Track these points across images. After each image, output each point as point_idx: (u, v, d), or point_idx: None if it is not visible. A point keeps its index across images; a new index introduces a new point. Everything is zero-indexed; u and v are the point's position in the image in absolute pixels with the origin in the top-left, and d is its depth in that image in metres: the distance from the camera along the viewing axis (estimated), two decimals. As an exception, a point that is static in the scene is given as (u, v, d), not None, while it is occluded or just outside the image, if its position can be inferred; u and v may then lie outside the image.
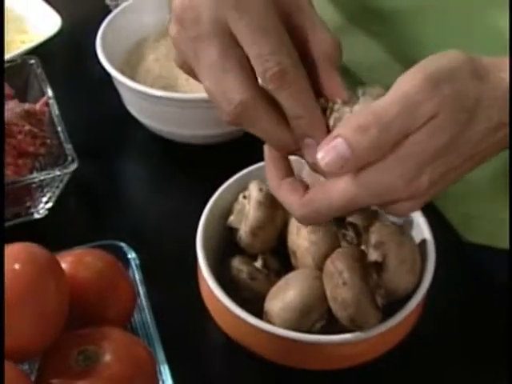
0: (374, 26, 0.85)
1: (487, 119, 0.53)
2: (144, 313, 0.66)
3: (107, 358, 0.59)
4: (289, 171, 0.59)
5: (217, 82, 0.54)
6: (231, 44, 0.54)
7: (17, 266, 0.58)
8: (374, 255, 0.64)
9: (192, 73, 0.58)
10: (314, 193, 0.55)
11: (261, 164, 0.74)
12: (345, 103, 0.55)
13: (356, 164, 0.51)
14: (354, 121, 0.51)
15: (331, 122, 0.55)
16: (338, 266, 0.61)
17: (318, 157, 0.51)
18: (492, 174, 0.82)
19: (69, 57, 1.08)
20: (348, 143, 0.50)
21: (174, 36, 0.57)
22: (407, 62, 0.81)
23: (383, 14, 0.82)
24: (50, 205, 0.81)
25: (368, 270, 0.62)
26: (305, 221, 0.56)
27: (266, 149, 0.59)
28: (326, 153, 0.51)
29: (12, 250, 0.60)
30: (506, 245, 0.82)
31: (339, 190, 0.53)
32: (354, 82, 0.90)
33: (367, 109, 0.51)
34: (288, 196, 0.57)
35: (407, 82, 0.51)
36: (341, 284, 0.61)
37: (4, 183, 0.75)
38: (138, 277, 0.68)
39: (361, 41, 0.88)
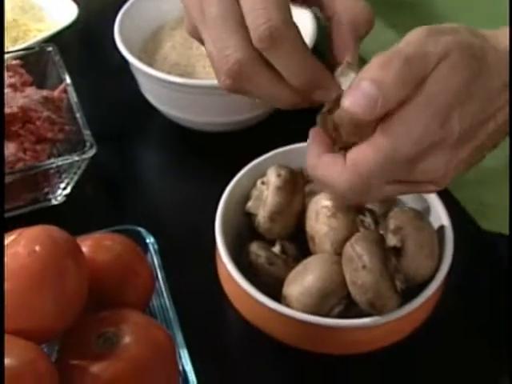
0: (395, 17, 0.85)
1: (498, 74, 0.53)
2: (163, 297, 0.66)
3: (127, 340, 0.59)
4: (329, 147, 0.55)
5: (217, 38, 0.53)
6: (234, 0, 0.53)
7: (37, 248, 0.58)
8: (392, 240, 0.64)
9: (200, 38, 0.57)
10: (353, 157, 0.53)
11: (279, 150, 0.74)
12: (349, 66, 0.55)
13: (386, 103, 0.50)
14: (375, 61, 0.50)
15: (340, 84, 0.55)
16: (358, 250, 0.61)
17: (346, 105, 0.50)
18: (505, 162, 0.82)
19: (86, 45, 1.08)
20: (373, 81, 0.49)
21: None
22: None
23: (404, 5, 0.82)
24: (67, 191, 0.82)
25: (387, 255, 0.62)
26: (352, 192, 0.53)
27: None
28: (352, 99, 0.50)
29: (32, 232, 0.60)
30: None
31: (376, 146, 0.51)
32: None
33: (384, 52, 0.51)
34: (327, 170, 0.54)
35: (412, 34, 0.52)
36: (360, 267, 0.61)
37: (4, 176, 0.75)
38: (156, 261, 0.68)
39: (381, 32, 0.88)
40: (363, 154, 0.52)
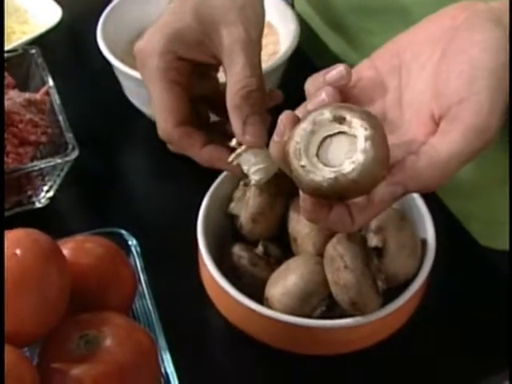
0: (366, 24, 0.85)
1: None
2: (145, 299, 0.66)
3: (108, 342, 0.59)
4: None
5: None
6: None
7: (18, 252, 0.58)
8: (374, 240, 0.64)
9: None
10: (365, 212, 0.52)
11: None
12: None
13: None
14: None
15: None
16: (340, 250, 0.61)
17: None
18: (485, 175, 0.82)
19: (70, 47, 1.08)
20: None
21: None
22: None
23: (374, 12, 0.82)
24: (51, 193, 0.81)
25: (369, 255, 0.62)
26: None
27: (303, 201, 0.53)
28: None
29: (14, 235, 0.60)
30: (505, 246, 0.82)
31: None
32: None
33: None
34: (339, 226, 0.53)
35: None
36: (342, 267, 0.61)
37: (4, 172, 0.75)
38: (139, 264, 0.68)
39: (352, 39, 0.88)
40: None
